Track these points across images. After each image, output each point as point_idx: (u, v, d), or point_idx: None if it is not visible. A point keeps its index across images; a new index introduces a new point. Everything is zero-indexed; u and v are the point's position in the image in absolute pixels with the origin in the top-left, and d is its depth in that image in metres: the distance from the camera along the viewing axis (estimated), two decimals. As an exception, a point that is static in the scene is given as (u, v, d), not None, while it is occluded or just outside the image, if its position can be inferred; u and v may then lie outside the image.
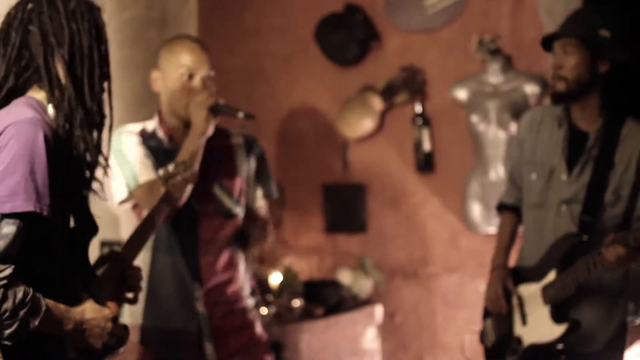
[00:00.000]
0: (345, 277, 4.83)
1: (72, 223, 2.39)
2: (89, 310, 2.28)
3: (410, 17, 4.87)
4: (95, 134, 2.33)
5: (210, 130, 3.32)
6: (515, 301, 3.46)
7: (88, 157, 2.32)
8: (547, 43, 3.44)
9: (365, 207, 4.99)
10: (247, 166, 3.51)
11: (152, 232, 2.98)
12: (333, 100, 5.02)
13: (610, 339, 3.38)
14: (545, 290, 3.36)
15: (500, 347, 3.51)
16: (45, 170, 2.18)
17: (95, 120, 2.32)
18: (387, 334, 4.88)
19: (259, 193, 3.55)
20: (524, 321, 3.43)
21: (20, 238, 2.16)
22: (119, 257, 2.59)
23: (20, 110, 2.24)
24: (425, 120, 4.84)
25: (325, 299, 4.67)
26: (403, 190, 4.93)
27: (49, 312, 2.18)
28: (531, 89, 4.60)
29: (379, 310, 4.83)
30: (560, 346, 3.33)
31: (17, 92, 2.32)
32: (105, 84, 2.36)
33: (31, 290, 2.15)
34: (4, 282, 2.11)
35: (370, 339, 4.76)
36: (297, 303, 4.56)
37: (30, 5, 2.32)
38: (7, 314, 2.12)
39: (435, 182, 4.88)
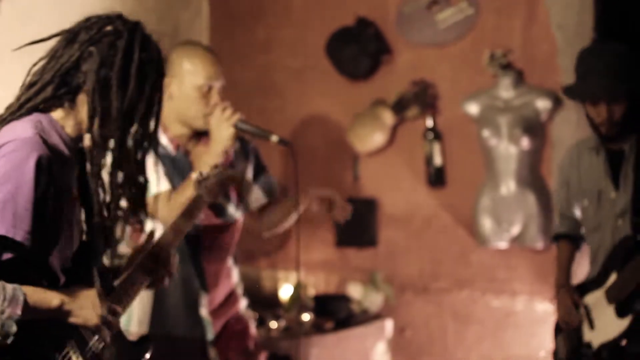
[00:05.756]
0: (355, 291, 4.82)
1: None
2: (70, 290, 2.23)
3: (422, 31, 4.87)
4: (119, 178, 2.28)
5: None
6: (582, 311, 3.66)
7: (106, 201, 2.28)
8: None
9: (376, 222, 4.98)
10: (245, 170, 3.51)
11: (182, 235, 2.96)
12: (344, 114, 5.01)
13: None
14: (608, 292, 3.57)
15: (573, 358, 3.68)
16: (30, 194, 2.13)
17: (121, 166, 2.28)
18: (397, 349, 4.87)
19: (259, 193, 3.53)
20: (592, 326, 3.62)
21: None
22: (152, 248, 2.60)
23: (22, 128, 2.20)
24: (436, 134, 4.84)
25: (336, 313, 4.65)
26: (414, 205, 4.92)
27: (29, 298, 2.12)
28: (543, 103, 4.60)
29: (389, 325, 4.82)
30: (624, 342, 3.50)
31: (51, 104, 2.27)
32: (145, 149, 2.31)
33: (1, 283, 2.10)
34: None
35: (380, 353, 4.74)
36: (307, 317, 4.55)
37: (108, 28, 2.28)
38: None
39: (446, 196, 4.86)
